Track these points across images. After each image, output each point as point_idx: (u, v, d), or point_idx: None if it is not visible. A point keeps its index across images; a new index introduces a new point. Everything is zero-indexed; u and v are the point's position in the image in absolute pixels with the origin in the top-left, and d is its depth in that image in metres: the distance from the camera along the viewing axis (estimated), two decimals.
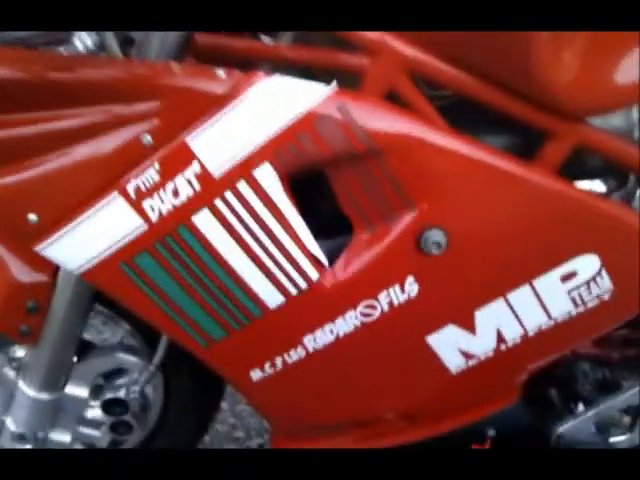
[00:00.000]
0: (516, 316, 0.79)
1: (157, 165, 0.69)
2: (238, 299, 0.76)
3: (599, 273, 0.77)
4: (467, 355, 0.82)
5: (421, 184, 0.72)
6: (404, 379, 0.85)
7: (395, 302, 0.77)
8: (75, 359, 0.97)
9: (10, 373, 0.96)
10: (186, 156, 0.68)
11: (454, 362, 0.82)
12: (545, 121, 0.74)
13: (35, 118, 0.69)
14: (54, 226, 0.71)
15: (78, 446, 1.04)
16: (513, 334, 0.80)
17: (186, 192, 0.70)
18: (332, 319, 0.78)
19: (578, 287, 0.77)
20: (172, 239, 0.72)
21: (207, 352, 0.81)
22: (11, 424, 0.95)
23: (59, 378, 0.95)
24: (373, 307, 0.77)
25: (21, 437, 0.95)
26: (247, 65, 0.72)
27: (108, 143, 0.69)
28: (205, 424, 1.15)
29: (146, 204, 0.70)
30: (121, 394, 0.98)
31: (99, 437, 1.02)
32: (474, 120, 0.77)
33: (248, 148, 0.68)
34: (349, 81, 0.72)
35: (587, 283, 0.77)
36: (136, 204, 0.70)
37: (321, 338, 0.79)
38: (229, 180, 0.69)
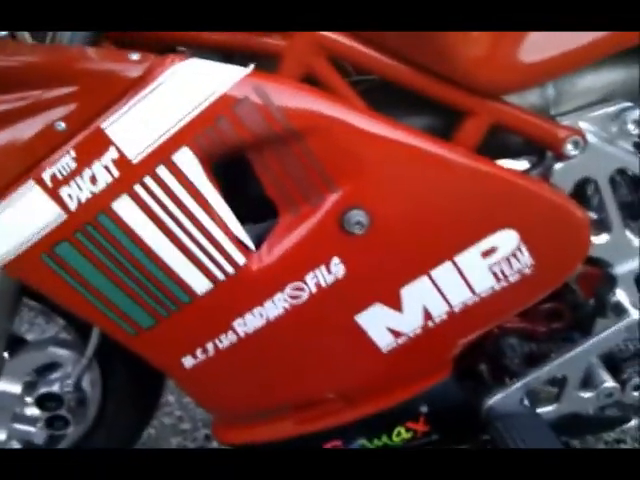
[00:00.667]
0: (441, 293, 0.80)
1: (73, 152, 0.68)
2: (165, 286, 0.76)
3: (518, 248, 0.79)
4: (396, 333, 0.83)
5: (342, 165, 0.73)
6: (337, 360, 0.86)
7: (322, 283, 0.78)
8: (6, 355, 0.95)
9: None
10: (102, 142, 0.67)
11: (384, 340, 0.83)
12: (462, 100, 0.75)
13: None
14: None
15: (14, 443, 1.02)
16: (439, 310, 0.82)
17: (104, 179, 0.69)
18: (261, 303, 0.78)
19: (499, 262, 0.79)
20: (93, 227, 0.71)
21: (137, 341, 0.80)
22: None
23: None
24: (301, 289, 0.78)
25: None
26: (165, 50, 0.71)
27: (23, 131, 0.68)
28: (147, 415, 1.14)
29: (63, 192, 0.69)
30: (55, 388, 0.97)
31: (35, 433, 1.01)
32: (394, 101, 0.79)
33: (165, 132, 0.68)
34: (271, 67, 0.73)
35: (507, 258, 0.79)
36: (53, 192, 0.69)
37: (251, 322, 0.79)
38: (148, 165, 0.69)
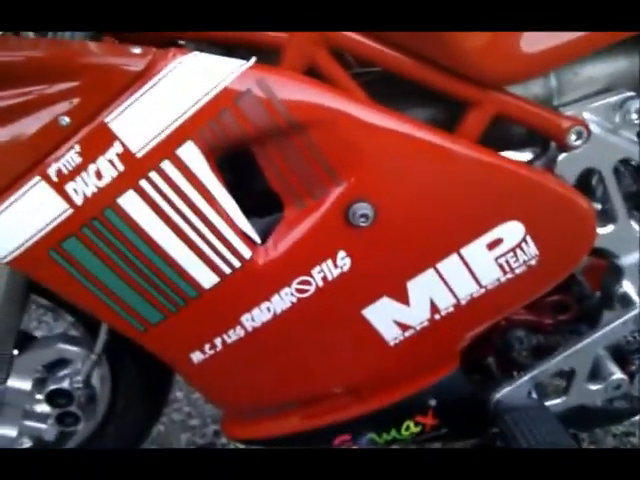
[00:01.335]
0: (447, 285, 0.80)
1: (77, 147, 0.68)
2: (172, 281, 0.76)
3: (524, 240, 0.79)
4: (403, 326, 0.83)
5: (346, 158, 0.73)
6: (344, 354, 0.86)
7: (329, 277, 0.78)
8: (16, 352, 0.96)
9: None
10: (106, 137, 0.68)
11: (391, 334, 0.83)
12: (465, 91, 0.75)
13: None
14: None
15: (25, 440, 1.03)
16: (446, 303, 0.82)
17: (109, 173, 0.69)
18: (268, 297, 0.79)
19: (505, 254, 0.79)
20: (99, 222, 0.72)
21: (145, 336, 0.81)
22: None
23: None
24: (308, 283, 0.78)
25: None
26: (166, 44, 0.71)
27: (27, 126, 0.68)
28: (156, 411, 1.14)
29: (69, 187, 0.70)
30: (65, 385, 0.97)
31: (46, 430, 1.01)
32: (396, 93, 0.79)
33: (169, 126, 0.68)
34: (273, 60, 0.73)
35: (513, 250, 0.79)
36: (59, 187, 0.69)
37: (259, 316, 0.80)
38: (152, 160, 0.69)
